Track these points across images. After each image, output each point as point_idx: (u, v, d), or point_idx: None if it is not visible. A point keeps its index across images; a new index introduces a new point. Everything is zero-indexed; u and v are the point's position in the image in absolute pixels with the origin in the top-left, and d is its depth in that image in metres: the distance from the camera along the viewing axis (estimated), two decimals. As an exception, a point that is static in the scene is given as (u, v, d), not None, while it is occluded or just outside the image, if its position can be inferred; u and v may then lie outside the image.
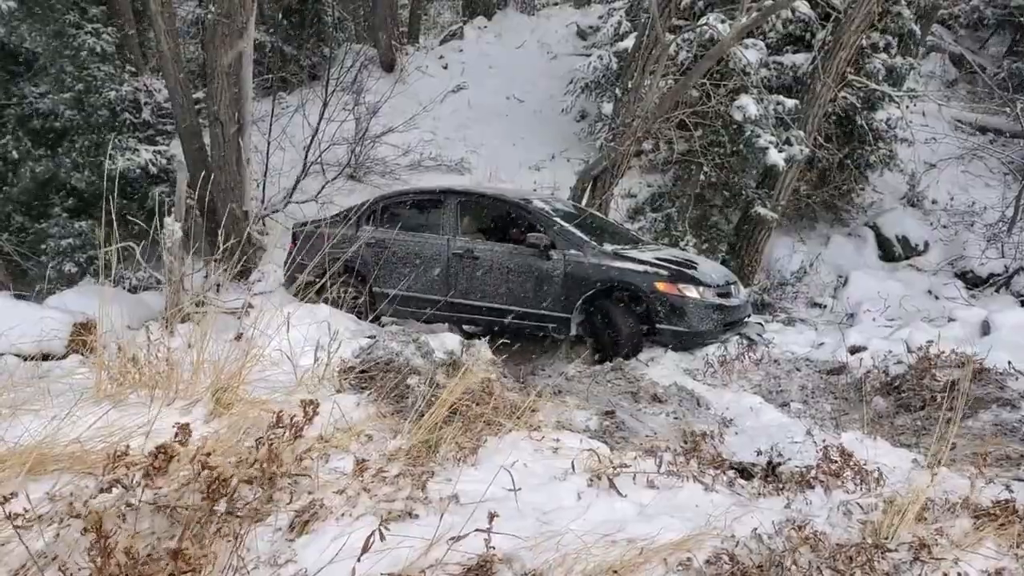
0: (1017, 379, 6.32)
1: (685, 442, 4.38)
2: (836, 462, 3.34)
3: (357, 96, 13.59)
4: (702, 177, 10.64)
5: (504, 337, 8.62)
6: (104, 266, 6.92)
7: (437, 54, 18.57)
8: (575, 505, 2.97)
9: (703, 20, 9.64)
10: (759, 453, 3.97)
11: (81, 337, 7.93)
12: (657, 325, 7.68)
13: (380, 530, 2.32)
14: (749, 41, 10.31)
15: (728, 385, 7.23)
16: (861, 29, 9.95)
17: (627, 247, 8.30)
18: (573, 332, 8.07)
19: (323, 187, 12.37)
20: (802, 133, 10.19)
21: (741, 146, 9.94)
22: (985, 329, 8.88)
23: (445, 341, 8.08)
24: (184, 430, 2.32)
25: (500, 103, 17.14)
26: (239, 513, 2.30)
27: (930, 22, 14.60)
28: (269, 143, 12.42)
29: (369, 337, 7.58)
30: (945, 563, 2.46)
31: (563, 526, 2.66)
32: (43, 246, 10.51)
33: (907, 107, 12.90)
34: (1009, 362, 6.55)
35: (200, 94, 11.12)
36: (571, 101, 15.38)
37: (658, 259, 7.97)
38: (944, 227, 13.46)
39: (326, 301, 9.02)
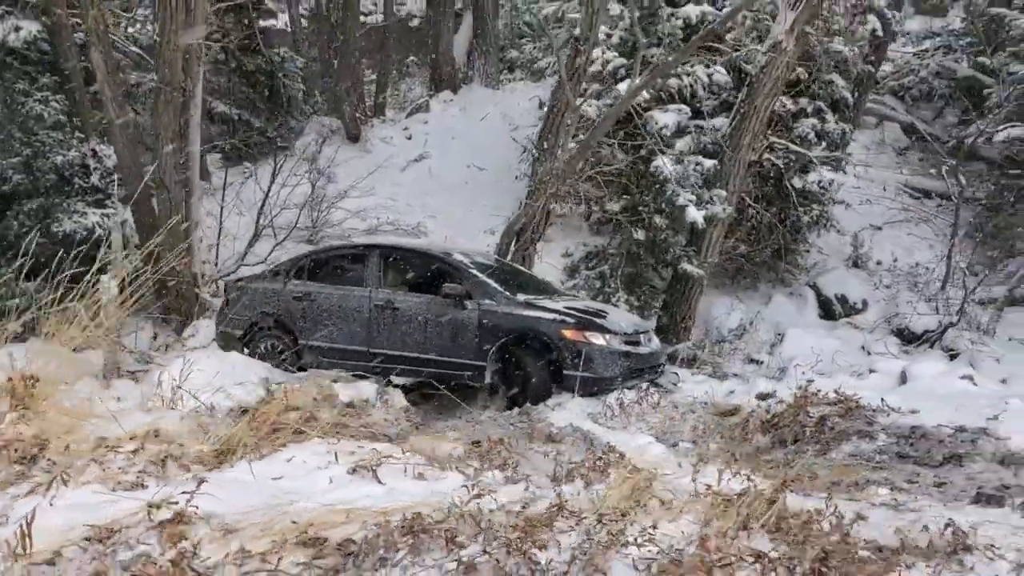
0: (888, 415, 6.54)
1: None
2: (603, 458, 3.54)
3: (312, 162, 14.08)
4: (633, 235, 10.99)
5: (432, 386, 8.79)
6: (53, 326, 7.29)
7: (402, 126, 19.17)
8: (325, 488, 3.18)
9: (619, 85, 10.13)
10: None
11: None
12: (564, 371, 7.88)
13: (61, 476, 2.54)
14: (672, 106, 10.79)
15: (627, 427, 7.44)
16: (773, 94, 10.41)
17: (540, 297, 8.56)
18: (488, 380, 8.24)
19: (272, 249, 12.74)
20: (724, 192, 10.56)
21: (663, 205, 10.31)
22: (903, 379, 9.15)
23: (361, 389, 8.32)
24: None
25: (461, 172, 17.62)
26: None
27: (866, 91, 15.14)
28: (222, 208, 12.85)
29: (277, 383, 7.83)
30: (625, 523, 2.66)
31: (300, 503, 2.87)
32: (-11, 307, 10.72)
33: (843, 171, 13.31)
34: (882, 399, 6.78)
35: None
36: (524, 168, 15.86)
37: (567, 308, 8.22)
38: (887, 287, 13.75)
39: (258, 355, 9.32)
